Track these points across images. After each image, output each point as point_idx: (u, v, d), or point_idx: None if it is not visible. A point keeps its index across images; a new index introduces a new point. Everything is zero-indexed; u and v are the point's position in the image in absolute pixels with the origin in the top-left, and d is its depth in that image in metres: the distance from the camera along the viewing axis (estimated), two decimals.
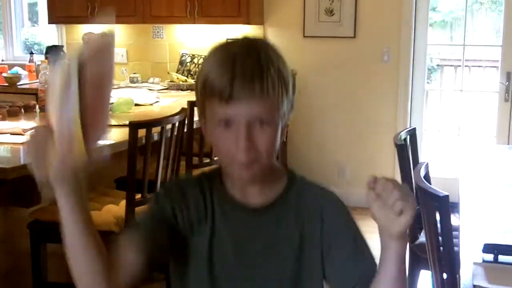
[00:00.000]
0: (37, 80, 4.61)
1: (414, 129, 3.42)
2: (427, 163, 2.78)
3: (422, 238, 3.12)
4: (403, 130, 3.28)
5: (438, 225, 2.38)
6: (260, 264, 1.42)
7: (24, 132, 3.22)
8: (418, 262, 3.14)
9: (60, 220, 1.31)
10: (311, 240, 1.43)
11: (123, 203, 2.95)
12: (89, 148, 1.30)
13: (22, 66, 6.07)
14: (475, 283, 1.95)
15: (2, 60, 6.66)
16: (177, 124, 3.15)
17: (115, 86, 5.47)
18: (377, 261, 1.39)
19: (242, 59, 1.30)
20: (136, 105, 4.30)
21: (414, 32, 5.28)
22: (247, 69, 1.29)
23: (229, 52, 1.33)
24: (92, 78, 1.27)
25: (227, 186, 1.44)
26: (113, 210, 2.99)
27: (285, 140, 4.07)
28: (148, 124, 2.95)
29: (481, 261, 2.12)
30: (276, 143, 1.36)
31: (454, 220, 2.44)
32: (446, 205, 2.27)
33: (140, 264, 1.34)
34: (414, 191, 3.03)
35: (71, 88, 1.26)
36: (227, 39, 1.40)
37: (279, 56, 1.36)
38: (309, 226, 1.43)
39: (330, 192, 1.47)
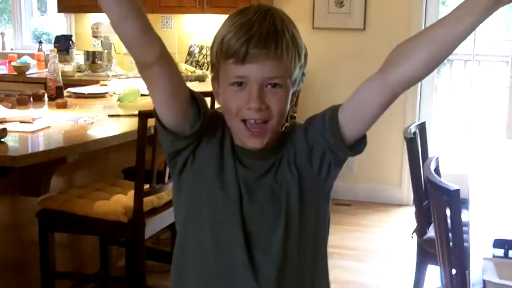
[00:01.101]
0: (46, 70, 4.59)
1: (424, 123, 3.40)
2: (437, 157, 2.76)
3: (430, 233, 3.11)
4: (413, 124, 3.26)
5: (448, 220, 2.37)
6: (268, 204, 1.45)
7: (33, 121, 3.22)
8: (425, 257, 3.12)
9: None
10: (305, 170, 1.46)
11: (131, 193, 2.95)
12: None
13: (31, 56, 6.07)
14: (485, 278, 1.94)
15: (11, 49, 6.66)
16: None
17: (123, 77, 5.47)
18: None
19: (258, 22, 1.36)
20: (144, 95, 4.28)
21: (424, 25, 5.25)
22: (263, 31, 1.35)
23: (246, 16, 1.38)
24: None
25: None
26: (121, 200, 2.98)
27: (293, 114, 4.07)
28: None
29: (491, 256, 2.11)
30: (286, 107, 1.42)
31: (464, 215, 2.42)
32: (457, 199, 2.25)
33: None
34: (423, 185, 3.03)
35: None
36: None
37: (293, 23, 1.43)
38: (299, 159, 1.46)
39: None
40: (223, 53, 1.38)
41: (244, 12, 1.40)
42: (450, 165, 5.11)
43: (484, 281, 1.93)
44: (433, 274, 3.21)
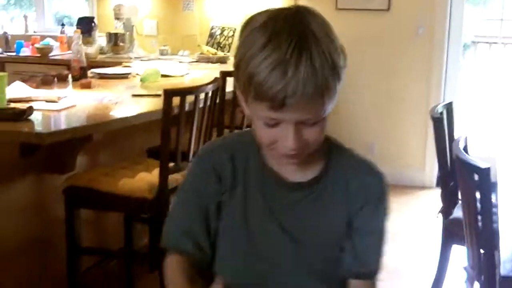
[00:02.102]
0: (69, 52, 4.61)
1: (451, 103, 3.36)
2: (466, 136, 2.73)
3: (455, 214, 3.08)
4: (440, 104, 3.23)
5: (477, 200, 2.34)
6: (299, 238, 1.39)
7: (58, 100, 3.22)
8: (451, 237, 3.10)
9: None
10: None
11: (155, 171, 2.95)
12: None
13: (54, 38, 6.08)
14: None
15: (34, 32, 6.67)
16: (210, 94, 3.13)
17: (145, 58, 5.47)
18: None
19: (294, 63, 1.18)
20: (166, 76, 4.29)
21: (450, 6, 5.19)
22: (300, 77, 1.18)
23: (278, 51, 1.19)
24: None
25: (264, 155, 1.40)
26: (146, 178, 2.99)
27: None
28: (183, 92, 2.94)
29: None
30: (325, 130, 1.30)
31: (492, 198, 2.39)
32: (487, 178, 2.22)
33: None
34: (449, 166, 3.00)
35: None
36: (268, 11, 1.27)
37: (331, 39, 1.24)
38: (352, 202, 1.40)
39: (376, 175, 1.43)
40: (253, 92, 1.23)
41: (275, 37, 1.20)
42: (476, 147, 5.07)
43: None
44: (458, 254, 3.18)
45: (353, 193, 1.39)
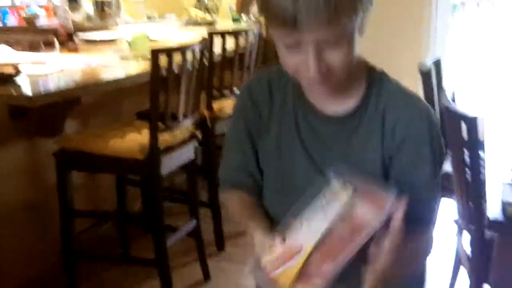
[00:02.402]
0: (55, 19, 4.57)
1: (440, 59, 3.37)
2: (454, 90, 2.75)
3: (444, 167, 3.10)
4: (428, 59, 3.24)
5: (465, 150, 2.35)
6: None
7: (46, 63, 3.21)
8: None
9: None
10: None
11: (146, 132, 2.95)
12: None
13: (39, 7, 6.01)
14: (504, 200, 1.95)
15: (20, 2, 6.60)
16: (198, 54, 3.12)
17: (133, 23, 5.43)
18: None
19: None
20: (153, 40, 4.27)
21: None
22: None
23: None
24: (349, 224, 1.20)
25: (301, 86, 1.37)
26: (136, 138, 2.99)
27: None
28: (170, 50, 2.93)
29: (510, 181, 2.12)
30: (351, 55, 1.23)
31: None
32: (475, 127, 2.24)
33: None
34: (440, 116, 3.02)
35: (326, 216, 1.21)
36: None
37: None
38: (388, 138, 1.32)
39: (417, 109, 1.33)
40: (267, 15, 1.21)
41: None
42: (464, 106, 5.08)
43: (503, 203, 1.94)
44: (448, 208, 3.21)
45: (389, 128, 1.31)
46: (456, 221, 2.62)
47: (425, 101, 1.35)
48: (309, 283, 1.18)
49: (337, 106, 1.35)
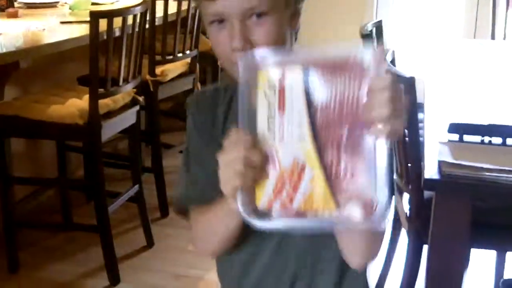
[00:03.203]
0: None
1: (381, 21, 3.37)
2: (393, 50, 2.77)
3: None
4: (370, 22, 3.24)
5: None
6: None
7: None
8: None
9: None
10: None
11: (86, 97, 2.91)
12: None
13: None
14: (440, 159, 1.97)
15: None
16: (138, 17, 3.07)
17: None
18: None
19: None
20: (96, 4, 4.20)
21: None
22: None
23: None
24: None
25: None
26: (76, 103, 2.95)
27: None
28: (110, 13, 2.88)
29: (446, 141, 2.14)
30: (282, 34, 1.19)
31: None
32: (413, 87, 2.26)
33: None
34: None
35: (293, 111, 1.00)
36: None
37: None
38: None
39: None
40: None
41: None
42: (407, 67, 5.13)
43: (439, 162, 1.96)
44: None
45: None
46: (395, 181, 2.65)
47: None
48: (351, 194, 0.99)
49: None
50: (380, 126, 0.96)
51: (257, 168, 1.00)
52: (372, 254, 1.22)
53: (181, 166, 1.34)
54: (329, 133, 0.99)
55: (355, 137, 0.98)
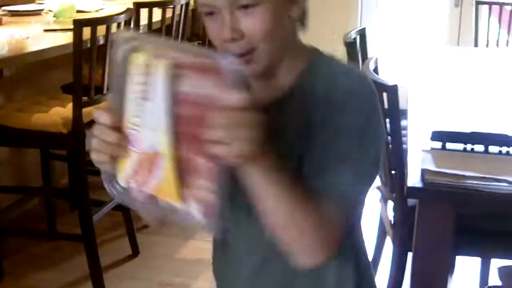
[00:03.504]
0: None
1: (364, 29, 3.40)
2: (377, 58, 2.78)
3: None
4: (353, 30, 3.26)
5: (387, 119, 2.38)
6: None
7: None
8: None
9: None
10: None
11: (70, 105, 2.90)
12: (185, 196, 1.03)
13: None
14: (423, 167, 1.98)
15: None
16: (122, 25, 3.07)
17: None
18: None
19: None
20: (81, 11, 4.19)
21: None
22: None
23: None
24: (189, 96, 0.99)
25: None
26: (60, 111, 2.94)
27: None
28: (93, 22, 2.88)
29: (429, 149, 2.16)
30: (276, 26, 1.17)
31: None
32: (395, 95, 2.27)
33: None
34: None
35: (155, 104, 1.02)
36: None
37: None
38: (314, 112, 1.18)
39: (356, 77, 1.23)
40: None
41: None
42: (390, 75, 5.15)
43: (422, 170, 1.97)
44: None
45: (317, 99, 1.19)
46: (378, 188, 2.66)
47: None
48: (197, 187, 1.01)
49: (267, 93, 1.24)
50: (217, 146, 0.97)
51: (112, 145, 1.06)
52: (317, 248, 1.15)
53: None
54: (186, 128, 1.00)
55: (202, 140, 0.99)
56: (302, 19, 1.25)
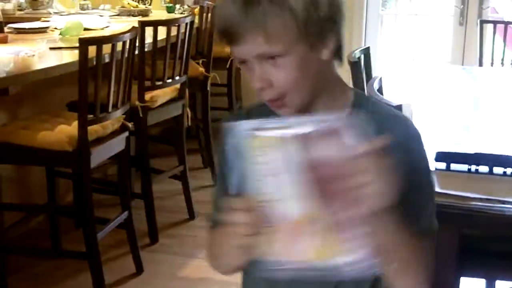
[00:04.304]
0: None
1: (368, 48, 3.40)
2: (381, 77, 2.78)
3: None
4: (357, 49, 3.27)
5: None
6: None
7: None
8: None
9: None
10: None
11: (75, 123, 2.91)
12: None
13: None
14: None
15: None
16: (128, 43, 3.08)
17: (65, 13, 5.34)
18: None
19: None
20: (87, 29, 4.21)
21: None
22: (236, 5, 1.17)
23: None
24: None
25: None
26: (65, 129, 2.95)
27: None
28: (99, 41, 2.89)
29: (433, 169, 2.15)
30: (303, 68, 1.20)
31: None
32: None
33: None
34: None
35: (287, 176, 1.06)
36: None
37: None
38: None
39: (406, 123, 1.32)
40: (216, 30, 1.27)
41: None
42: (394, 94, 5.16)
43: None
44: None
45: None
46: None
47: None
48: (348, 241, 1.06)
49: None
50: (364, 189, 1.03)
51: (257, 230, 1.09)
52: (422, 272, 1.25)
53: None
54: (323, 188, 1.04)
55: (347, 191, 1.04)
56: (338, 55, 1.27)
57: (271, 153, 1.06)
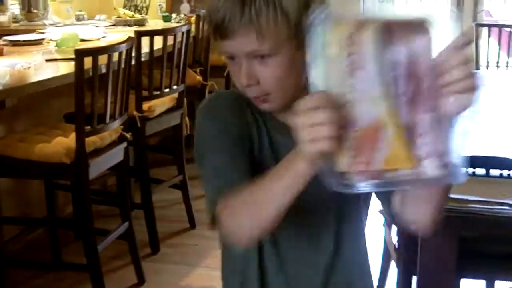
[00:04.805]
0: None
1: None
2: None
3: None
4: None
5: None
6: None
7: None
8: None
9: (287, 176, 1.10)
10: None
11: (73, 135, 2.91)
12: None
13: None
14: None
15: None
16: (124, 53, 3.09)
17: (61, 24, 5.35)
18: None
19: None
20: (83, 40, 4.22)
21: None
22: (229, 3, 1.20)
23: None
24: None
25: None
26: (63, 142, 2.94)
27: None
28: (95, 51, 2.89)
29: None
30: (291, 67, 1.23)
31: None
32: None
33: None
34: None
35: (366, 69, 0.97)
36: None
37: None
38: None
39: None
40: (210, 25, 1.27)
41: None
42: None
43: None
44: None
45: None
46: (382, 212, 2.65)
47: None
48: (426, 144, 0.99)
49: None
50: (452, 88, 0.98)
51: (335, 126, 0.97)
52: (440, 212, 1.24)
53: (206, 174, 1.31)
54: (406, 89, 0.98)
55: (429, 96, 0.98)
56: None
57: (354, 45, 0.97)
